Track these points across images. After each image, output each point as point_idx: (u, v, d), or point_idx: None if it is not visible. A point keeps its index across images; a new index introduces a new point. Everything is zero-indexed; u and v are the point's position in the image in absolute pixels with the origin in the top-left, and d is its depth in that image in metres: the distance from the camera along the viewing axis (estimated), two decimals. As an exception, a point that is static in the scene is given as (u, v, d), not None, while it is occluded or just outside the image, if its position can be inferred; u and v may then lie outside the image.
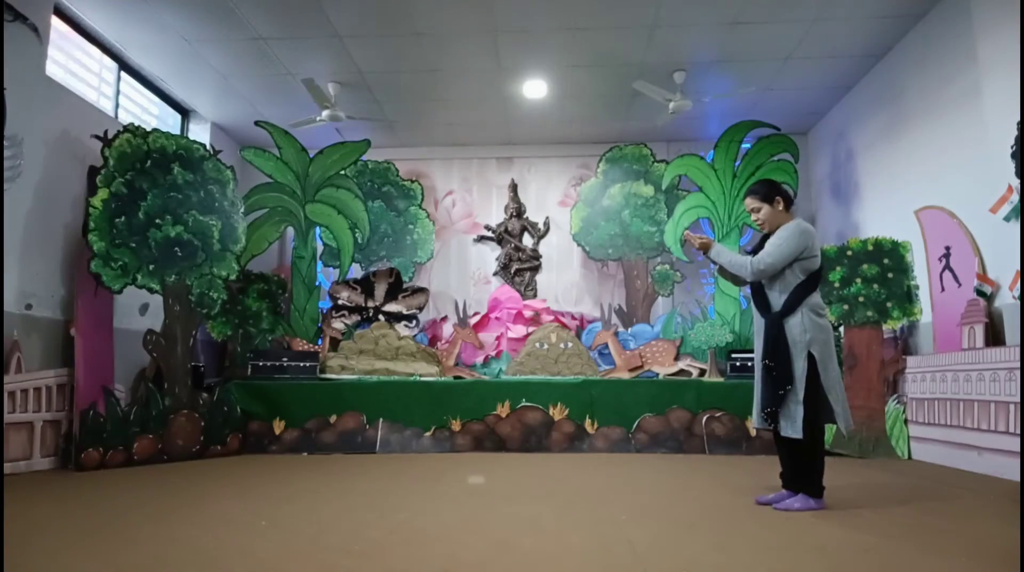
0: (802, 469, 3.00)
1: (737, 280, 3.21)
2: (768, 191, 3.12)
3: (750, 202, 3.14)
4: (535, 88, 6.31)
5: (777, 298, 3.01)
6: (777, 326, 2.95)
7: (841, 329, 5.36)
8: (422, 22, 5.15)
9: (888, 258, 5.08)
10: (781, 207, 3.10)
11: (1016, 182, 3.84)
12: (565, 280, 7.59)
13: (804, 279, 2.96)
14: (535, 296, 7.26)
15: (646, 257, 7.00)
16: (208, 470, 4.31)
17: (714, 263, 3.19)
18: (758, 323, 3.11)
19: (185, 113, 6.92)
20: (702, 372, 5.68)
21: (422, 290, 6.89)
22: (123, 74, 5.91)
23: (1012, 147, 3.86)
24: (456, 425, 5.26)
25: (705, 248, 3.13)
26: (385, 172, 7.29)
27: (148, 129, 4.85)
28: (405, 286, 6.83)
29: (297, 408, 5.28)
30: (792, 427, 2.91)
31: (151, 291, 4.76)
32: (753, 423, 3.09)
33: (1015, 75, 3.79)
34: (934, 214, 4.89)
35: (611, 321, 6.65)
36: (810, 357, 2.90)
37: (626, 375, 5.75)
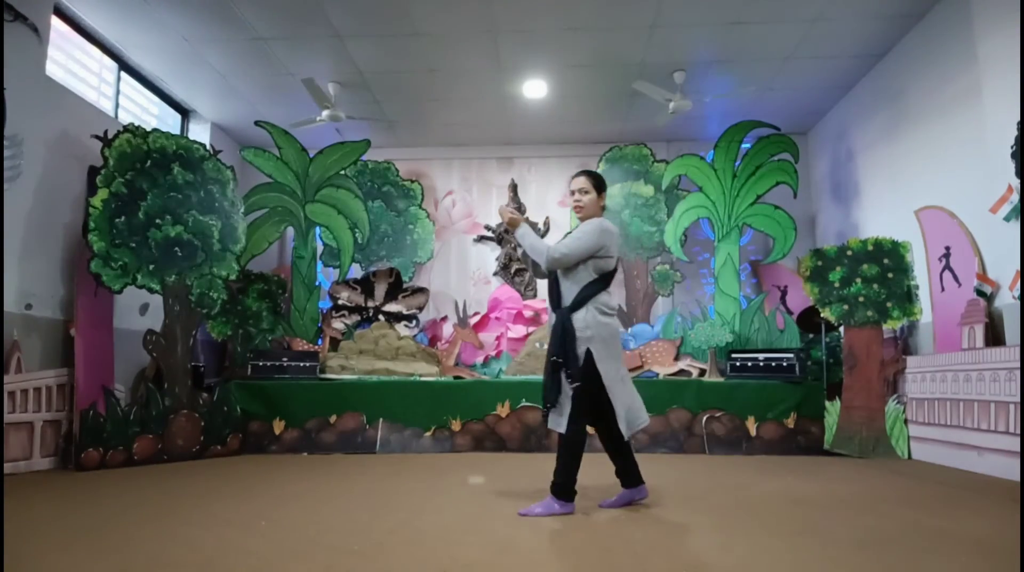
0: (557, 467, 2.99)
1: (538, 269, 3.18)
2: (600, 183, 3.13)
3: (583, 182, 3.09)
4: (535, 88, 6.31)
5: (568, 293, 2.99)
6: (564, 321, 2.94)
7: (841, 329, 5.36)
8: (422, 22, 5.15)
9: (888, 258, 5.08)
10: (602, 204, 3.12)
11: (1016, 182, 3.84)
12: (565, 280, 7.57)
13: (596, 278, 2.97)
14: (535, 296, 7.24)
15: (646, 257, 7.00)
16: (208, 470, 4.31)
17: (519, 245, 3.15)
18: (550, 319, 3.09)
19: (185, 113, 6.92)
20: (702, 372, 5.68)
21: (422, 290, 6.89)
22: (123, 74, 5.91)
23: (1012, 147, 3.86)
24: (456, 425, 5.26)
25: (512, 225, 3.10)
26: (385, 172, 7.29)
27: (148, 129, 4.85)
28: (405, 286, 6.83)
29: (297, 408, 5.28)
30: (558, 421, 2.95)
31: (151, 291, 4.76)
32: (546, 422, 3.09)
33: (1015, 75, 3.79)
34: (934, 214, 4.89)
35: (611, 321, 6.63)
36: (587, 353, 2.89)
37: (626, 375, 5.74)
